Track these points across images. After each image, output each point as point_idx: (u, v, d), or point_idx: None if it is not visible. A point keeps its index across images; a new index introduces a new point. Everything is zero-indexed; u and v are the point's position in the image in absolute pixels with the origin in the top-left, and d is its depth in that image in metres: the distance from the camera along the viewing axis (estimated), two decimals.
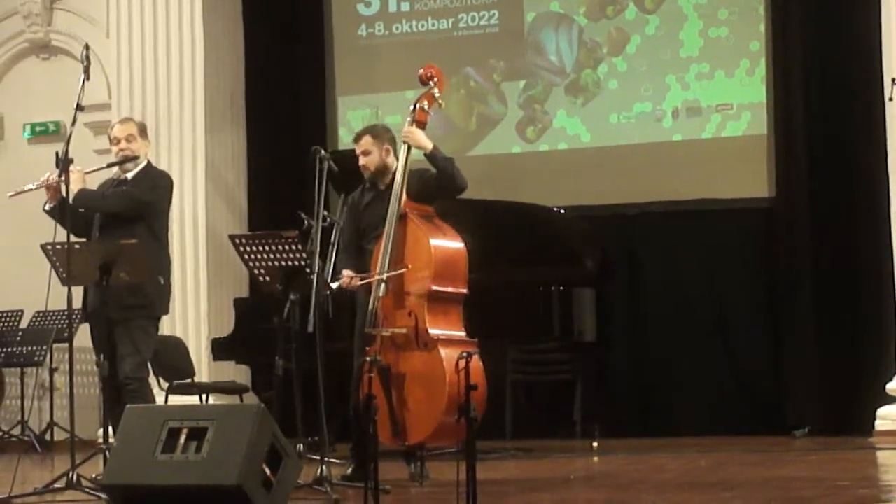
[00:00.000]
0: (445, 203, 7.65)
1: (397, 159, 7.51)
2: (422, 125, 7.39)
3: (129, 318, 7.31)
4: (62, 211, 7.22)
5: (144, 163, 7.65)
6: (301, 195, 9.87)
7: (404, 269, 7.17)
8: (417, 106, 7.42)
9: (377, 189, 7.57)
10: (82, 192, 7.46)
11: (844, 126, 10.38)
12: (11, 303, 11.92)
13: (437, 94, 7.42)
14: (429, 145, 7.34)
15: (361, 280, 7.32)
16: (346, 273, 7.42)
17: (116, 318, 7.26)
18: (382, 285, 7.19)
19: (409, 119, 7.43)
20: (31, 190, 7.33)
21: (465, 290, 7.31)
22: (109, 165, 7.58)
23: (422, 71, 7.48)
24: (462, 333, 7.23)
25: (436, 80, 7.43)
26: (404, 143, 7.37)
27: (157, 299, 7.48)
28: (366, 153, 7.54)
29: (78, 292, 7.29)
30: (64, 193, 7.19)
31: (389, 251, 7.20)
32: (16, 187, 7.46)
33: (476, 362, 6.79)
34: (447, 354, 6.92)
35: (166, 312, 7.75)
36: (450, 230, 7.35)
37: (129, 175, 7.57)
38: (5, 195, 7.60)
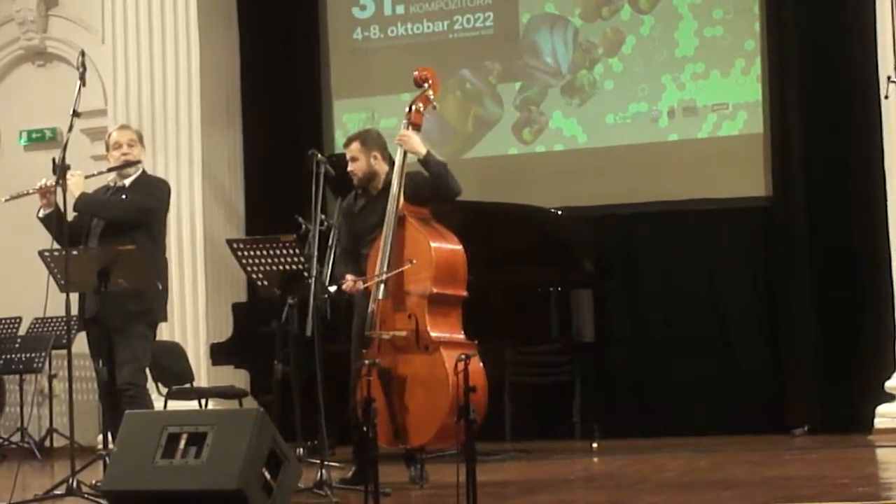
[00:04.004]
0: (443, 205, 7.66)
1: (387, 164, 7.53)
2: (417, 127, 7.43)
3: (130, 325, 7.30)
4: (58, 218, 7.21)
5: (141, 170, 7.64)
6: (298, 199, 9.90)
7: (408, 265, 7.15)
8: (413, 108, 7.45)
9: (369, 194, 7.60)
10: (85, 197, 7.42)
11: (841, 124, 10.38)
12: (10, 309, 11.92)
13: (431, 96, 7.46)
14: (422, 150, 7.35)
15: (364, 284, 7.32)
16: (350, 277, 7.43)
17: (117, 325, 7.24)
18: (382, 288, 7.18)
19: (404, 122, 7.46)
20: (29, 194, 7.31)
21: (464, 293, 7.33)
22: (110, 170, 7.53)
23: (416, 73, 7.52)
24: (462, 336, 7.24)
25: (430, 81, 7.47)
26: (399, 146, 7.40)
27: (158, 306, 7.47)
28: (353, 160, 7.59)
29: (76, 299, 7.28)
30: (60, 200, 7.18)
31: (388, 254, 7.20)
32: (12, 192, 7.44)
33: (476, 364, 6.81)
34: (449, 357, 6.90)
35: (165, 319, 7.74)
36: (448, 233, 7.37)
37: (127, 182, 7.54)
38: (1, 201, 7.58)
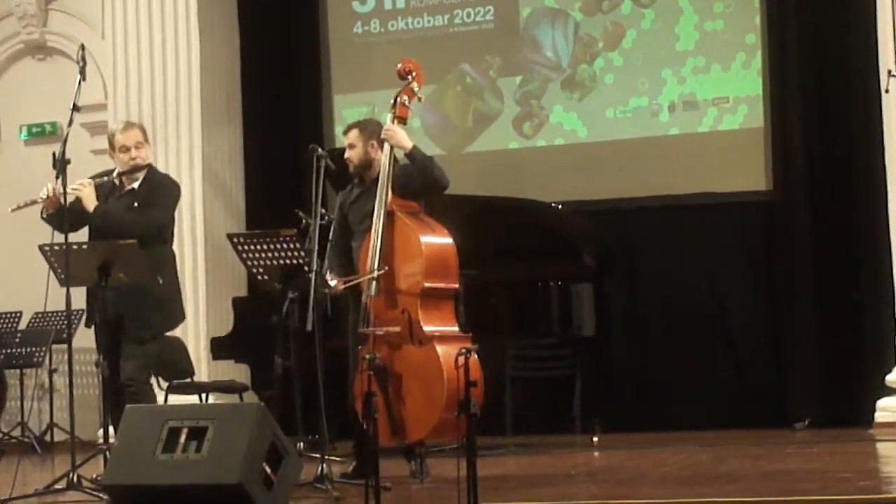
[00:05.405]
0: (444, 199, 7.66)
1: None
2: (402, 120, 7.44)
3: (152, 336, 7.37)
4: (60, 216, 7.19)
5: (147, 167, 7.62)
6: (299, 194, 9.89)
7: (383, 270, 7.14)
8: (398, 101, 7.46)
9: (363, 185, 7.60)
10: (104, 213, 7.39)
11: (841, 118, 10.37)
12: (10, 304, 11.92)
13: (415, 89, 7.46)
14: (408, 145, 7.36)
15: (346, 283, 7.32)
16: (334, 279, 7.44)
17: (135, 332, 7.28)
18: (373, 284, 7.18)
19: (389, 115, 7.47)
20: (36, 203, 7.27)
21: (456, 285, 7.29)
22: (119, 175, 7.51)
23: (399, 65, 7.53)
24: (456, 328, 7.22)
25: (414, 74, 7.47)
26: (385, 141, 7.40)
27: (178, 314, 7.53)
28: (350, 146, 7.62)
29: (76, 294, 7.26)
30: (62, 198, 7.15)
31: (378, 250, 7.19)
32: (17, 200, 7.36)
33: (472, 357, 6.81)
34: (443, 351, 6.91)
35: (183, 319, 7.78)
36: (437, 226, 7.35)
37: (136, 185, 7.50)
38: (8, 211, 7.53)
